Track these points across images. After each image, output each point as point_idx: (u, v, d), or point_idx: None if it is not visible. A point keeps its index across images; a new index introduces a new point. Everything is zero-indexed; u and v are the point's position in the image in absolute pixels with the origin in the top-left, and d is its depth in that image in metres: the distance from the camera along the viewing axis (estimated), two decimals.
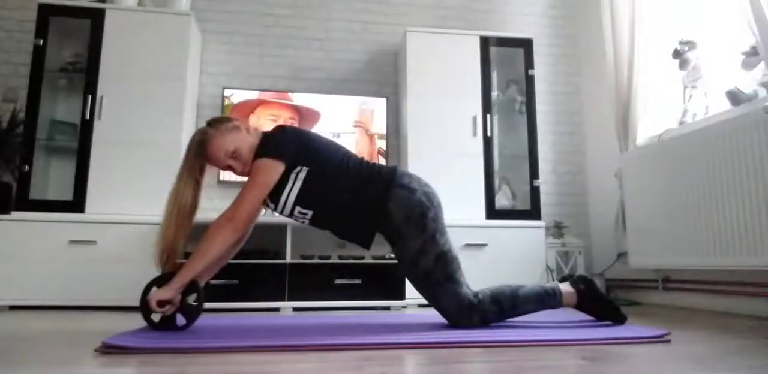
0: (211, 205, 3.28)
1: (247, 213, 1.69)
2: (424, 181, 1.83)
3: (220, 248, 1.68)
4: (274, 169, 1.70)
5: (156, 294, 1.64)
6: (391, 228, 1.76)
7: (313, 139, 1.81)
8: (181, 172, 1.78)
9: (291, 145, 1.74)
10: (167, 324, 1.70)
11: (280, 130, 1.79)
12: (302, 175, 1.74)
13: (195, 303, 1.74)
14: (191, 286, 1.70)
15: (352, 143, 3.33)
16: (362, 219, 1.77)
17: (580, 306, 1.81)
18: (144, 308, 1.68)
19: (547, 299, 1.77)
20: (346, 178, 1.76)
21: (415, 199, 1.74)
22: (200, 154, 1.77)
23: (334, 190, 1.75)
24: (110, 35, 3.02)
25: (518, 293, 1.76)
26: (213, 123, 1.80)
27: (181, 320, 1.72)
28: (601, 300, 1.81)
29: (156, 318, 1.71)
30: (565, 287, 1.81)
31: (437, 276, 1.73)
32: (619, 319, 1.79)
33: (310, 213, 1.78)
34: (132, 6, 3.17)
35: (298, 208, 1.77)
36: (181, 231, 1.75)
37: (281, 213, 1.80)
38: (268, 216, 3.08)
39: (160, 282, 1.72)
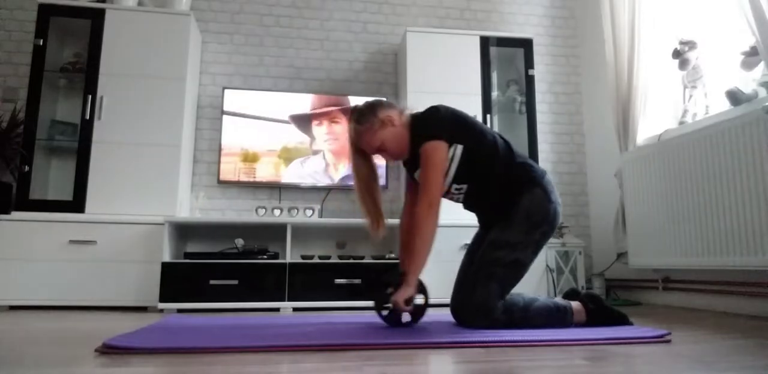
0: (211, 205, 3.29)
1: (439, 192, 1.77)
2: (560, 199, 1.90)
3: (434, 233, 1.74)
4: (442, 148, 1.76)
5: (400, 295, 1.69)
6: (510, 212, 1.81)
7: (466, 118, 1.87)
8: (351, 156, 1.89)
9: (447, 123, 1.81)
10: (398, 320, 1.77)
11: (435, 110, 1.84)
12: (459, 152, 1.80)
13: (421, 301, 1.79)
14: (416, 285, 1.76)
15: None
16: (501, 198, 1.84)
17: (589, 323, 1.78)
18: (380, 307, 1.78)
19: (557, 316, 1.75)
20: (499, 159, 1.83)
21: (548, 207, 1.82)
22: (357, 146, 1.87)
23: (488, 167, 1.82)
24: (110, 35, 3.02)
25: (530, 306, 1.75)
26: (359, 119, 1.84)
27: (405, 317, 1.78)
28: (611, 316, 1.79)
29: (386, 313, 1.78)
30: (576, 306, 1.80)
31: (498, 272, 1.75)
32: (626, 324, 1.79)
33: (464, 187, 1.86)
34: (132, 6, 3.17)
35: (454, 185, 1.86)
36: (377, 196, 1.87)
37: None
38: (267, 216, 3.09)
39: (391, 281, 1.78)
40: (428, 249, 1.72)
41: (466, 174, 1.83)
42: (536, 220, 1.80)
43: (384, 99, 1.97)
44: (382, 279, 1.89)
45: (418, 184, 1.86)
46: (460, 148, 1.80)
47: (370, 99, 2.02)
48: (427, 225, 1.72)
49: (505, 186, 1.84)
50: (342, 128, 3.31)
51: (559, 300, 1.83)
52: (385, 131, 1.82)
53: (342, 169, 3.31)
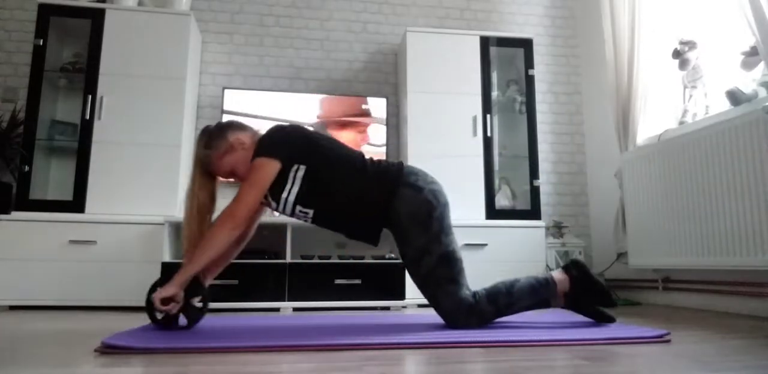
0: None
1: (246, 210, 1.69)
2: (431, 178, 1.83)
3: (220, 245, 1.68)
4: (268, 166, 1.71)
5: (159, 292, 1.65)
6: (396, 226, 1.77)
7: (311, 138, 1.81)
8: (193, 175, 1.81)
9: (287, 143, 1.75)
10: (170, 324, 1.71)
11: (277, 129, 1.80)
12: (300, 173, 1.74)
13: (200, 305, 1.75)
14: (196, 287, 1.72)
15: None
16: (368, 218, 1.78)
17: (571, 291, 1.78)
18: (149, 306, 1.69)
19: (540, 289, 1.76)
20: (348, 177, 1.77)
21: (422, 198, 1.75)
22: (205, 169, 1.81)
23: (336, 189, 1.76)
24: (110, 35, 3.02)
25: (513, 289, 1.75)
26: (208, 143, 1.79)
27: (183, 320, 1.72)
28: (595, 285, 1.77)
29: (160, 317, 1.71)
30: (558, 275, 1.80)
31: (438, 276, 1.73)
32: (607, 303, 1.77)
33: (311, 212, 1.79)
34: (132, 6, 3.17)
35: (299, 207, 1.78)
36: (204, 226, 1.77)
37: (283, 212, 1.81)
38: (268, 216, 3.08)
39: (164, 281, 1.72)
40: (208, 257, 1.66)
41: (311, 196, 1.75)
42: (422, 216, 1.74)
43: (235, 120, 1.92)
44: (156, 282, 1.78)
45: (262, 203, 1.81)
46: (302, 168, 1.74)
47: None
48: (218, 234, 1.66)
49: (369, 204, 1.76)
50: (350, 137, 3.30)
51: (539, 275, 1.83)
52: (234, 155, 1.77)
53: None
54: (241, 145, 1.79)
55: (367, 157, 1.85)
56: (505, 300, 1.73)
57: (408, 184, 1.76)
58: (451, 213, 1.82)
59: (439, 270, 1.73)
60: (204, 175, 1.81)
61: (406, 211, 1.74)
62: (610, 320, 1.80)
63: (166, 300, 1.64)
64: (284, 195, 1.75)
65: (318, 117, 3.34)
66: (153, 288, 1.73)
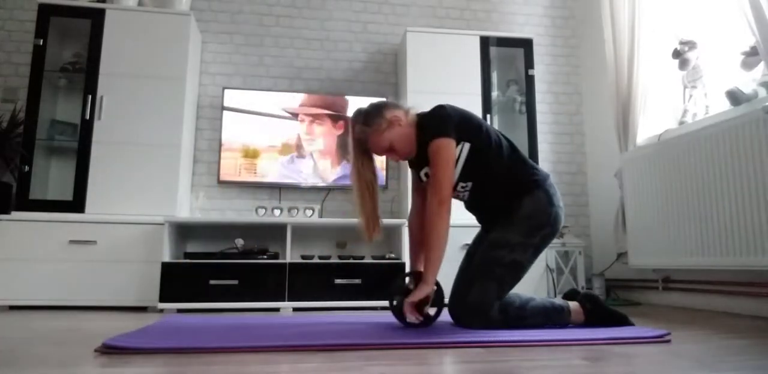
0: (211, 205, 3.29)
1: (449, 190, 1.76)
2: (563, 203, 1.90)
3: (447, 230, 1.73)
4: (450, 145, 1.76)
5: (417, 294, 1.68)
6: (509, 214, 1.81)
7: (472, 117, 1.88)
8: (354, 159, 1.86)
9: (454, 121, 1.80)
10: (427, 320, 1.75)
11: (441, 108, 1.84)
12: (465, 151, 1.80)
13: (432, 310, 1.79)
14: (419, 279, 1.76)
15: None
16: (502, 198, 1.85)
17: (588, 324, 1.78)
18: (400, 309, 1.75)
19: (554, 315, 1.75)
20: (504, 158, 1.84)
21: (550, 210, 1.82)
22: (363, 148, 1.86)
23: (496, 164, 1.83)
24: (110, 35, 3.02)
25: (527, 305, 1.74)
26: (366, 121, 1.83)
27: (431, 310, 1.77)
28: (610, 316, 1.78)
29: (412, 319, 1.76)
30: (574, 306, 1.79)
31: (496, 272, 1.75)
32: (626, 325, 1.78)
33: (469, 185, 1.86)
34: (132, 6, 3.17)
35: (460, 183, 1.86)
36: (376, 200, 1.84)
37: None
38: (267, 216, 3.09)
39: (401, 289, 1.81)
40: (443, 246, 1.72)
41: (471, 172, 1.83)
42: (537, 223, 1.80)
43: (387, 99, 1.96)
44: (390, 288, 1.89)
45: (424, 182, 1.87)
46: (467, 146, 1.80)
47: (373, 100, 2.03)
48: (440, 222, 1.71)
49: (507, 186, 1.84)
50: (322, 130, 3.31)
51: (556, 299, 1.82)
52: (393, 131, 1.82)
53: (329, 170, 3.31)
54: (398, 121, 1.83)
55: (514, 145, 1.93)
56: (515, 313, 1.72)
57: (548, 193, 1.84)
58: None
59: (502, 268, 1.75)
60: (364, 153, 1.86)
61: (530, 210, 1.80)
62: (625, 321, 1.78)
63: (422, 302, 1.70)
64: None
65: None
66: (392, 299, 1.82)
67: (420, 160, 1.85)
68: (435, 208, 1.72)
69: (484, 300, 1.71)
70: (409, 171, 2.04)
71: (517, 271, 1.78)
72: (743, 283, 2.34)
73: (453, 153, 1.76)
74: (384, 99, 1.96)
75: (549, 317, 1.74)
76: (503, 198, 1.84)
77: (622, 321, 1.77)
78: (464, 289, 1.77)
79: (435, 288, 1.74)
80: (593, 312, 1.77)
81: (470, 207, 1.97)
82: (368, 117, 1.84)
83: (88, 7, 3.07)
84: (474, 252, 1.88)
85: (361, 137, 1.84)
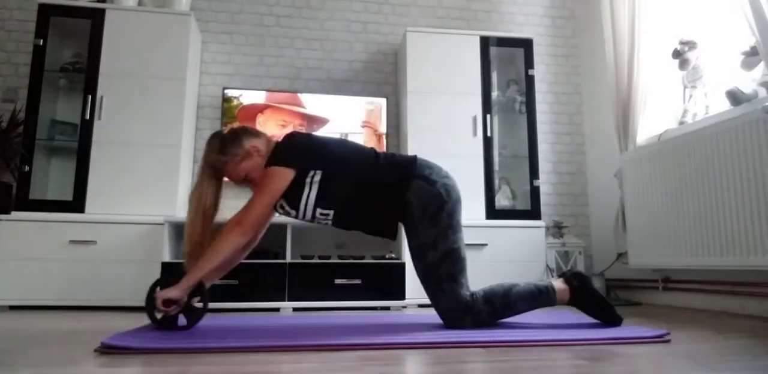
0: None
1: (257, 218, 1.73)
2: (445, 172, 1.84)
3: (228, 251, 1.71)
4: (282, 175, 1.74)
5: (163, 293, 1.65)
6: (406, 218, 1.78)
7: (324, 142, 1.84)
8: (201, 176, 1.83)
9: (300, 151, 1.78)
10: (169, 324, 1.71)
11: (290, 137, 1.83)
12: (317, 178, 1.76)
13: (200, 305, 1.76)
14: (197, 288, 1.72)
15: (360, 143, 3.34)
16: (383, 211, 1.80)
17: (572, 303, 1.78)
18: (149, 306, 1.69)
19: (539, 297, 1.76)
20: (362, 174, 1.80)
21: (434, 191, 1.76)
22: (215, 174, 1.83)
23: (352, 187, 1.79)
24: (110, 35, 3.02)
25: (511, 292, 1.75)
26: (222, 149, 1.80)
27: (182, 320, 1.73)
28: (596, 298, 1.77)
29: (159, 317, 1.72)
30: (559, 284, 1.79)
31: (440, 273, 1.73)
32: (613, 320, 1.75)
33: (331, 212, 1.80)
34: (132, 6, 3.17)
35: (318, 210, 1.79)
36: (207, 229, 1.79)
37: (303, 218, 1.82)
38: None
39: (166, 282, 1.73)
40: (215, 261, 1.68)
41: (330, 198, 1.77)
42: (434, 209, 1.75)
43: (248, 126, 1.93)
44: (156, 282, 1.79)
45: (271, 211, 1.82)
46: (319, 173, 1.76)
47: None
48: (227, 240, 1.68)
49: (384, 196, 1.79)
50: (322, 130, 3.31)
51: (539, 282, 1.82)
52: (250, 162, 1.80)
53: None
54: (257, 151, 1.81)
55: (380, 150, 1.88)
56: (501, 302, 1.73)
57: (421, 177, 1.78)
58: (462, 210, 1.82)
59: (441, 267, 1.73)
60: (212, 178, 1.82)
61: (418, 203, 1.75)
62: (617, 321, 1.76)
63: (168, 302, 1.65)
64: (303, 201, 1.77)
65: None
66: (153, 288, 1.74)
67: None
68: (232, 226, 1.70)
69: (455, 302, 1.71)
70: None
71: (455, 258, 1.74)
72: (743, 283, 2.35)
73: (282, 183, 1.73)
74: (247, 126, 1.94)
75: (534, 299, 1.75)
76: (389, 207, 1.79)
77: (607, 311, 1.75)
78: (433, 301, 1.77)
79: (192, 294, 1.70)
80: (578, 289, 1.76)
81: (350, 227, 1.87)
82: (225, 145, 1.81)
83: (88, 7, 3.06)
84: (415, 268, 1.82)
85: (216, 165, 1.81)
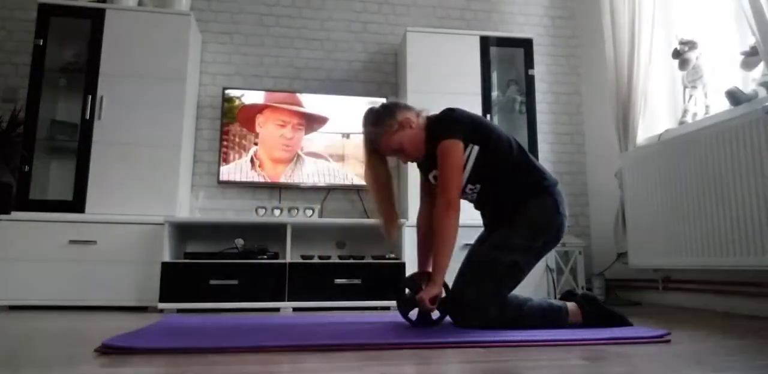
0: (211, 205, 3.29)
1: (457, 191, 1.78)
2: (567, 212, 1.91)
3: (455, 231, 1.75)
4: (458, 147, 1.77)
5: (428, 294, 1.69)
6: (514, 216, 1.82)
7: (481, 120, 1.90)
8: (367, 158, 1.89)
9: (463, 124, 1.82)
10: (428, 319, 1.77)
11: (450, 111, 1.86)
12: (474, 153, 1.81)
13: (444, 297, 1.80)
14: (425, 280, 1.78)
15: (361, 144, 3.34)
16: (510, 199, 1.85)
17: (586, 325, 1.76)
18: (405, 307, 1.78)
19: (552, 316, 1.74)
20: (513, 160, 1.85)
21: (554, 217, 1.83)
22: (374, 148, 1.88)
23: (502, 168, 1.84)
24: (110, 35, 3.02)
25: (524, 306, 1.74)
26: (377, 121, 1.85)
27: (434, 314, 1.79)
28: (608, 317, 1.77)
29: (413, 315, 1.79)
30: (572, 306, 1.78)
31: (494, 272, 1.75)
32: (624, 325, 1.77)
33: (478, 187, 1.87)
34: (132, 6, 3.17)
35: (469, 186, 1.86)
36: (393, 200, 1.89)
37: None
38: (267, 216, 3.09)
39: (411, 282, 1.83)
40: (451, 248, 1.74)
41: (480, 175, 1.83)
42: (541, 227, 1.80)
43: (399, 101, 1.97)
44: (400, 285, 1.90)
45: (432, 185, 1.88)
46: (476, 148, 1.81)
47: (373, 100, 2.02)
48: (448, 224, 1.73)
49: (516, 189, 1.84)
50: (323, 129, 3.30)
51: (554, 301, 1.82)
52: (404, 133, 1.83)
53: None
54: (409, 123, 1.84)
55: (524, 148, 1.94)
56: (513, 314, 1.72)
57: (555, 199, 1.85)
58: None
59: (501, 269, 1.75)
60: (376, 152, 1.88)
61: (534, 213, 1.81)
62: (624, 322, 1.77)
63: (433, 299, 1.70)
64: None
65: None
66: (400, 291, 1.84)
67: (429, 162, 1.87)
68: (443, 210, 1.74)
69: (481, 299, 1.71)
70: (410, 172, 2.05)
71: (516, 273, 1.78)
72: (743, 283, 2.34)
73: (461, 155, 1.77)
74: (397, 100, 1.98)
75: (547, 318, 1.73)
76: (511, 200, 1.84)
77: (621, 322, 1.76)
78: (462, 288, 1.77)
79: (443, 289, 1.75)
80: (591, 312, 1.77)
81: (479, 207, 1.98)
82: (379, 118, 1.85)
83: (88, 7, 3.06)
84: (475, 252, 1.88)
85: (372, 138, 1.86)
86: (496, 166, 1.83)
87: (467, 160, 1.81)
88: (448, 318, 1.82)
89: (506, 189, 1.85)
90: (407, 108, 1.90)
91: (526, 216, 1.80)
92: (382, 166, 1.89)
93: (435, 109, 1.92)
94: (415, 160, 1.93)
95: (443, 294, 1.77)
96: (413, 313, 1.80)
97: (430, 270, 1.78)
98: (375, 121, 1.85)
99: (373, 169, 1.87)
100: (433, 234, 1.75)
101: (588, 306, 1.78)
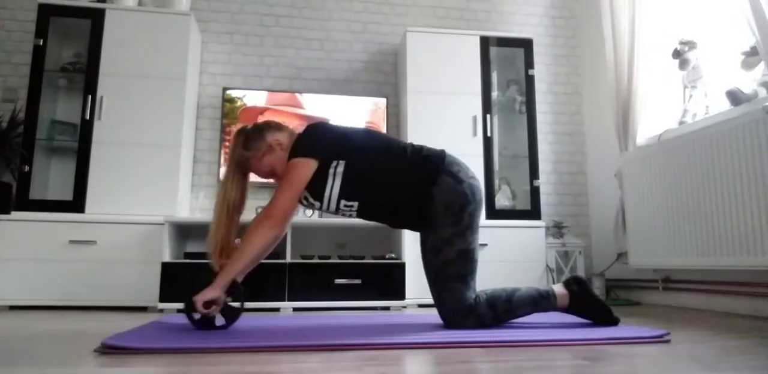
0: (211, 205, 3.28)
1: (283, 210, 1.72)
2: (472, 172, 1.84)
3: (259, 246, 1.72)
4: (305, 166, 1.73)
5: (202, 295, 1.66)
6: (428, 212, 1.77)
7: (346, 132, 1.83)
8: (227, 175, 1.83)
9: (322, 141, 1.77)
10: (208, 324, 1.73)
11: (311, 128, 1.82)
12: (340, 169, 1.76)
13: (237, 305, 1.76)
14: (232, 286, 1.73)
15: None
16: (407, 204, 1.79)
17: (571, 307, 1.78)
18: (188, 308, 1.70)
19: (540, 302, 1.76)
20: (387, 166, 1.79)
21: (460, 190, 1.76)
22: (241, 169, 1.83)
23: (377, 179, 1.78)
24: (110, 35, 3.02)
25: (513, 297, 1.75)
26: (248, 144, 1.81)
27: (220, 320, 1.74)
28: (594, 302, 1.78)
29: (197, 318, 1.74)
30: (559, 289, 1.80)
31: (451, 271, 1.73)
32: (610, 322, 1.76)
33: (355, 204, 1.80)
34: (132, 6, 3.17)
35: (343, 202, 1.79)
36: (232, 227, 1.80)
37: (327, 210, 1.82)
38: None
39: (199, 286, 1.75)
40: (247, 258, 1.69)
41: (354, 189, 1.77)
42: (456, 208, 1.75)
43: (272, 121, 1.93)
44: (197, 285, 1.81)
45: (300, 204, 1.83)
46: (342, 163, 1.76)
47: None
48: (255, 238, 1.69)
49: (409, 189, 1.78)
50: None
51: (540, 287, 1.83)
52: (274, 156, 1.80)
53: None
54: (279, 145, 1.81)
55: (407, 143, 1.88)
56: (503, 307, 1.73)
57: (449, 173, 1.77)
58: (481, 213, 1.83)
59: (453, 265, 1.73)
60: (238, 174, 1.83)
61: (442, 199, 1.75)
62: (613, 321, 1.77)
63: (208, 303, 1.66)
64: (327, 192, 1.77)
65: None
66: (191, 291, 1.75)
67: None
68: (258, 222, 1.71)
69: (460, 303, 1.71)
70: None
71: (469, 259, 1.75)
72: (743, 283, 2.35)
73: (305, 174, 1.72)
74: (270, 120, 1.95)
75: (535, 304, 1.76)
76: (412, 201, 1.78)
77: (605, 313, 1.76)
78: (437, 299, 1.77)
79: (229, 293, 1.71)
80: (578, 293, 1.77)
81: (374, 218, 1.88)
82: (248, 140, 1.82)
83: (88, 7, 3.06)
84: (425, 259, 1.83)
85: (241, 161, 1.82)
86: (374, 176, 1.77)
87: (334, 176, 1.75)
88: (437, 320, 1.81)
89: (400, 195, 1.78)
90: (279, 128, 1.85)
91: (438, 206, 1.75)
92: (240, 189, 1.81)
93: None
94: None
95: (228, 303, 1.73)
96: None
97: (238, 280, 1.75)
98: (244, 143, 1.81)
99: (226, 189, 1.79)
100: (242, 239, 1.71)
101: (576, 286, 1.79)
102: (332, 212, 1.83)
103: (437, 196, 1.75)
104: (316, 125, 1.83)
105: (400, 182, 1.78)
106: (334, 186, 1.76)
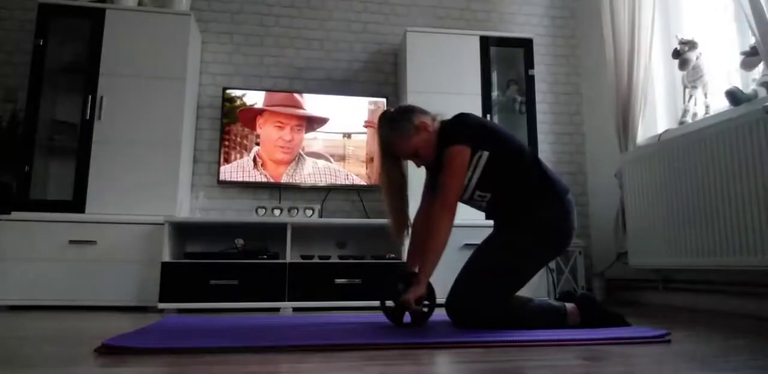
0: (211, 205, 3.29)
1: (455, 196, 1.79)
2: (576, 224, 1.89)
3: (448, 234, 1.76)
4: (464, 153, 1.78)
5: (412, 294, 1.69)
6: (523, 220, 1.82)
7: (492, 126, 1.93)
8: (382, 160, 1.91)
9: (474, 130, 1.83)
10: (420, 320, 1.77)
11: (464, 115, 1.88)
12: (483, 160, 1.81)
13: (426, 302, 1.79)
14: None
15: (363, 143, 3.34)
16: (524, 205, 1.84)
17: (584, 325, 1.76)
18: (399, 309, 1.76)
19: (552, 316, 1.75)
20: (528, 168, 1.85)
21: (562, 225, 1.82)
22: (389, 151, 1.89)
23: (512, 175, 1.83)
24: (110, 35, 3.02)
25: (525, 307, 1.74)
26: (394, 125, 1.85)
27: (406, 317, 1.79)
28: (607, 318, 1.77)
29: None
30: (570, 307, 1.79)
31: (496, 272, 1.75)
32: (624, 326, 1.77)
33: (488, 195, 1.86)
34: (132, 6, 3.17)
35: (478, 192, 1.85)
36: (404, 202, 1.89)
37: (462, 197, 1.86)
38: (267, 216, 3.09)
39: (406, 277, 1.82)
40: (441, 250, 1.74)
41: (490, 181, 1.83)
42: (547, 234, 1.80)
43: (415, 105, 1.97)
44: (395, 275, 1.90)
45: (436, 187, 1.87)
46: (485, 154, 1.80)
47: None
48: (442, 226, 1.74)
49: (525, 195, 1.84)
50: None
51: (554, 301, 1.83)
52: (419, 137, 1.84)
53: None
54: (425, 127, 1.85)
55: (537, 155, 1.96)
56: (512, 314, 1.72)
57: (566, 209, 1.83)
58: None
59: (503, 272, 1.76)
60: (391, 155, 1.89)
61: (544, 218, 1.80)
62: (622, 322, 1.77)
63: (418, 300, 1.71)
64: (468, 180, 1.81)
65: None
66: (391, 283, 1.83)
67: (438, 165, 1.86)
68: (438, 212, 1.75)
69: (480, 299, 1.71)
70: (412, 173, 2.04)
71: (517, 277, 1.78)
72: (743, 283, 2.34)
73: (465, 160, 1.78)
74: (413, 105, 1.98)
75: (547, 318, 1.74)
76: (520, 206, 1.84)
77: (619, 322, 1.76)
78: (463, 288, 1.77)
79: (426, 290, 1.74)
80: (589, 314, 1.77)
81: (490, 215, 1.99)
82: (394, 121, 1.86)
83: (88, 7, 3.06)
84: (479, 253, 1.86)
85: (388, 141, 1.86)
86: (507, 172, 1.83)
87: (476, 167, 1.80)
88: (446, 319, 1.81)
89: (516, 195, 1.85)
90: (423, 112, 1.90)
91: (535, 220, 1.80)
92: (397, 170, 1.90)
93: (440, 109, 1.92)
94: (428, 164, 1.93)
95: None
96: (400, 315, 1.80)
97: (416, 270, 1.78)
98: (390, 124, 1.86)
99: (387, 172, 1.88)
100: (428, 235, 1.76)
101: (587, 306, 1.78)
102: (464, 200, 1.88)
103: (541, 213, 1.81)
104: (467, 114, 1.89)
105: (529, 187, 1.84)
106: (473, 175, 1.81)
